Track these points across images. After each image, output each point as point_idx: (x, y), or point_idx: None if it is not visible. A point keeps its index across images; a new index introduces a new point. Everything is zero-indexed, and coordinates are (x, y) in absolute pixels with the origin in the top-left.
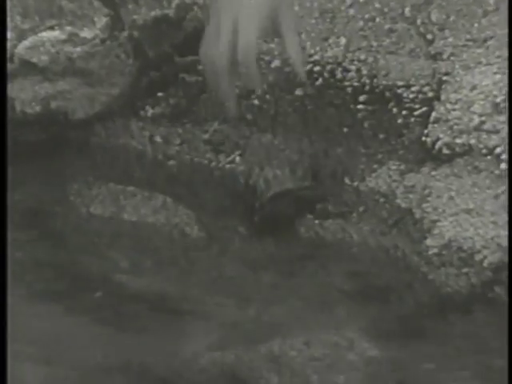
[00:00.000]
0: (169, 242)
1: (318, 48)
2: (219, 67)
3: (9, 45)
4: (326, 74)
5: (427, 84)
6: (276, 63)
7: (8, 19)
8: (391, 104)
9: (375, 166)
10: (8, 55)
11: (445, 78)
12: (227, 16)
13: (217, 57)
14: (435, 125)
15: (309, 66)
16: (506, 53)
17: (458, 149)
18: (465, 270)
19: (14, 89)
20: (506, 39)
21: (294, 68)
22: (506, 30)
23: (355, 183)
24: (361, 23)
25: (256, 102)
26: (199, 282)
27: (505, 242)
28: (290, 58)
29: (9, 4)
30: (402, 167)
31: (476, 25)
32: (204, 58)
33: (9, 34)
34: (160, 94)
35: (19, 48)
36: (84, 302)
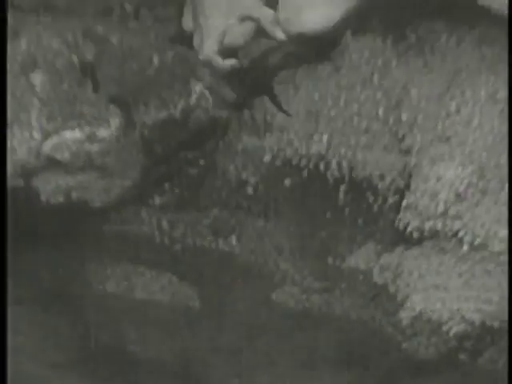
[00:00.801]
0: (173, 315)
1: (303, 144)
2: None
3: (35, 143)
4: (311, 167)
5: (399, 176)
6: (267, 158)
7: (34, 120)
8: (368, 193)
9: (355, 247)
10: (34, 153)
11: (414, 170)
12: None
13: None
14: (406, 211)
15: (296, 160)
16: (466, 148)
17: (426, 232)
18: (433, 339)
19: (39, 181)
20: (466, 137)
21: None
22: (466, 129)
23: (337, 262)
24: (341, 123)
25: (250, 191)
26: (201, 350)
27: (468, 315)
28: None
29: (36, 108)
30: (378, 248)
31: (440, 125)
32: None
33: (35, 135)
34: (166, 185)
35: (45, 146)
36: (100, 370)
